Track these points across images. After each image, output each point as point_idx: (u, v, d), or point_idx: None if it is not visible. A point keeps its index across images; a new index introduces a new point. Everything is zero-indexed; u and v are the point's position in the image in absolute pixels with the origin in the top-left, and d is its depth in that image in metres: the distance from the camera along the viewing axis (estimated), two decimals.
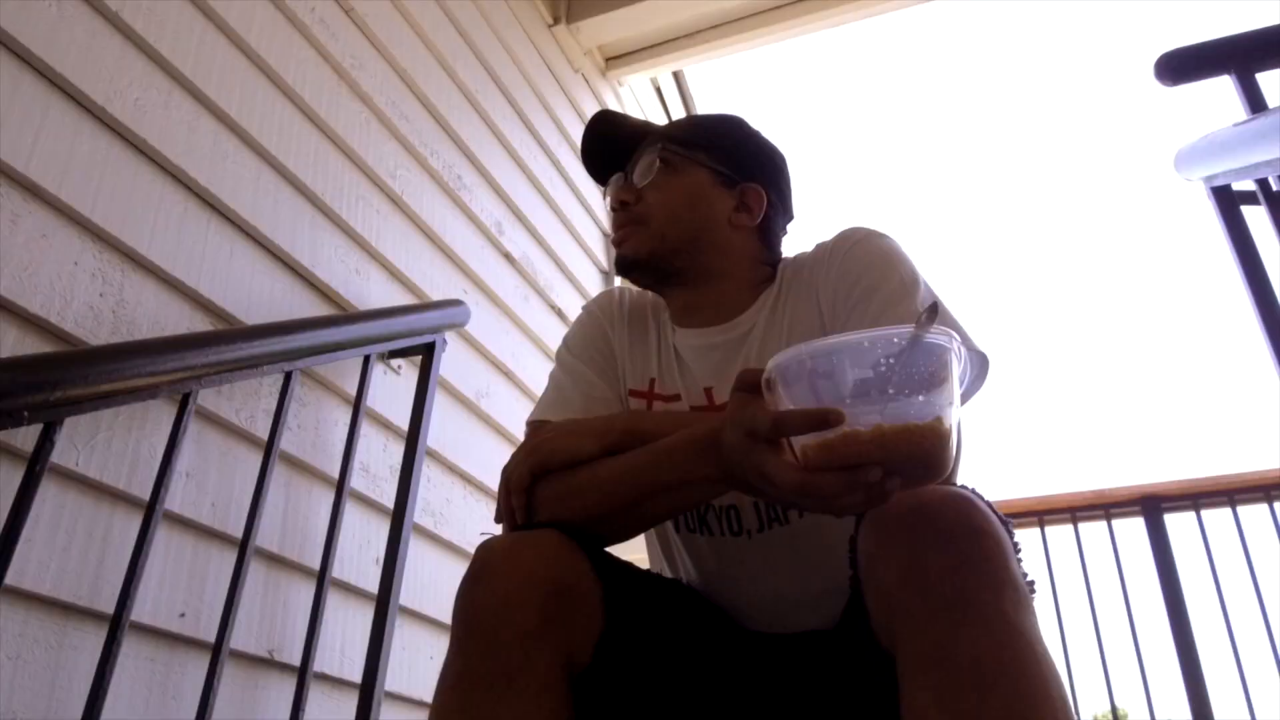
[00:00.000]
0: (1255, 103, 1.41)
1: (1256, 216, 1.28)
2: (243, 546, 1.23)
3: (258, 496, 1.26)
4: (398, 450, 1.75)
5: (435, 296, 1.95)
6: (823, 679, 1.04)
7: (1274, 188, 1.27)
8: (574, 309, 2.66)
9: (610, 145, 1.25)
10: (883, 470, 0.73)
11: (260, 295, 1.48)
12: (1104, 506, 2.64)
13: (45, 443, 0.97)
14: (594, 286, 2.84)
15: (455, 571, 1.93)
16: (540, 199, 2.57)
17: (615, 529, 1.02)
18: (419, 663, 1.72)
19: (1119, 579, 2.57)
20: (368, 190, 1.81)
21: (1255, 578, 2.46)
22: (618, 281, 2.95)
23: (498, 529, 1.06)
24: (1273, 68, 1.45)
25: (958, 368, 0.76)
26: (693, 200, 1.17)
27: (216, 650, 1.17)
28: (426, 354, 1.71)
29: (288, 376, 1.34)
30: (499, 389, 2.18)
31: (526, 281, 2.41)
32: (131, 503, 1.21)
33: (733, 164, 1.18)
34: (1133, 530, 2.57)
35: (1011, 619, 0.77)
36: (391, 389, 1.75)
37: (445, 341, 1.76)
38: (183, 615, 1.25)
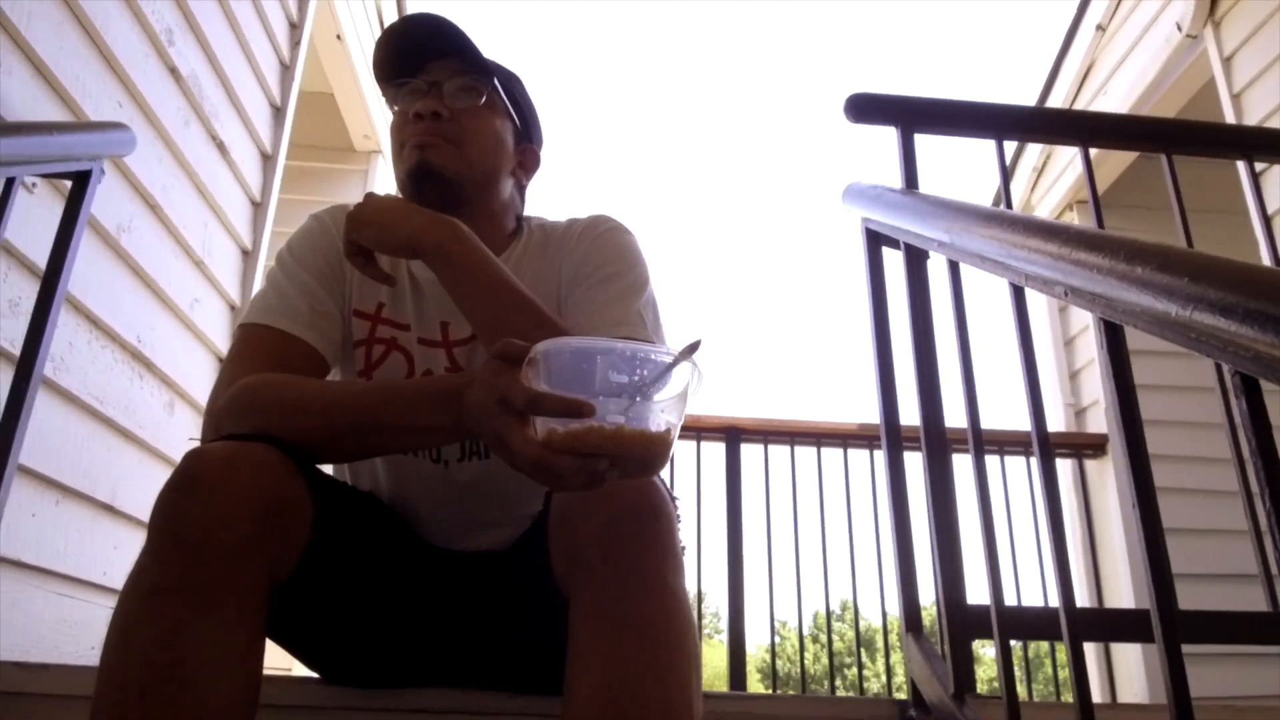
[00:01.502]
0: (908, 154, 1.72)
1: (891, 256, 1.59)
2: None
3: None
4: (19, 282, 1.51)
5: (88, 108, 1.66)
6: (497, 595, 1.16)
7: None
8: (238, 143, 2.41)
9: (421, 46, 1.19)
10: (609, 462, 0.84)
11: None
12: (697, 430, 3.11)
13: None
14: (263, 122, 2.58)
15: (73, 424, 1.73)
16: (218, 8, 2.25)
17: (330, 453, 1.03)
18: (19, 520, 1.54)
19: (696, 494, 3.08)
20: None
21: (796, 501, 3.12)
22: (288, 123, 2.70)
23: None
24: (925, 132, 1.78)
25: (694, 391, 0.89)
26: (498, 143, 1.23)
27: None
28: (79, 182, 1.47)
29: None
30: (142, 224, 1.93)
31: (190, 105, 2.12)
32: None
33: (525, 123, 1.27)
34: (715, 453, 3.09)
35: (670, 586, 0.94)
36: (22, 211, 1.48)
37: (103, 172, 1.52)
38: None
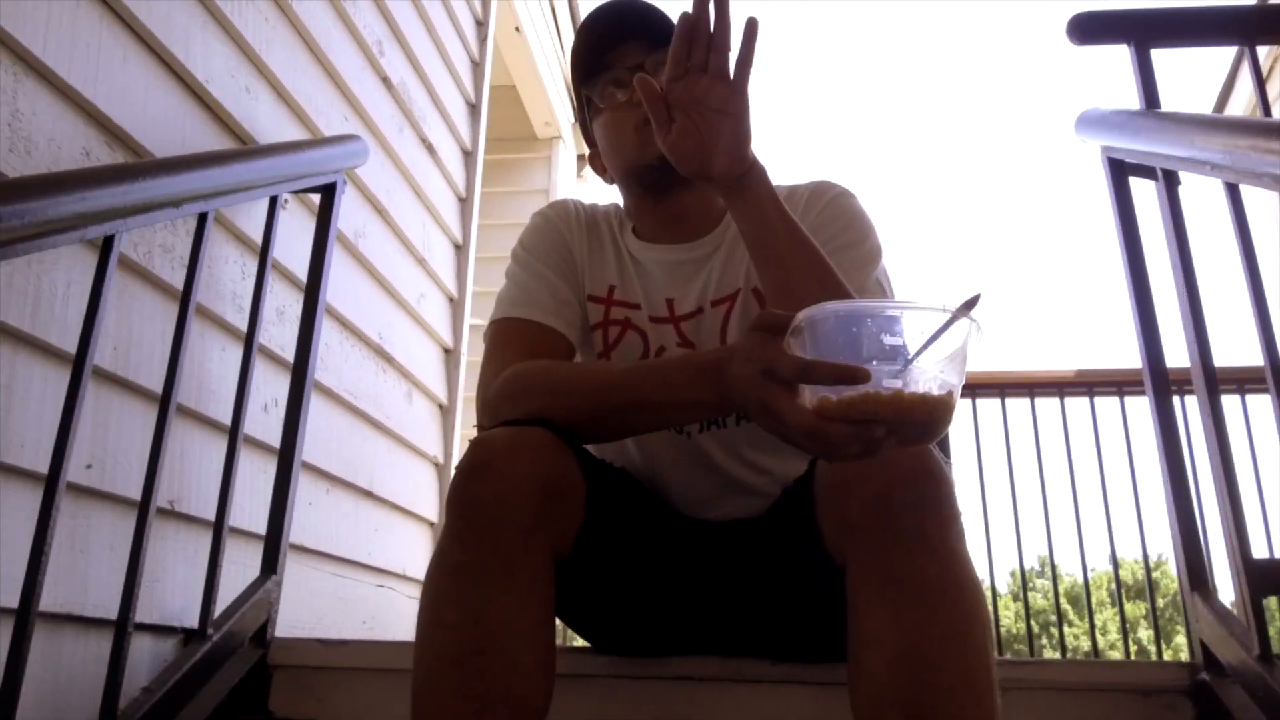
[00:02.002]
0: (1146, 73, 1.57)
1: (1141, 186, 1.46)
2: (164, 401, 1.14)
3: (177, 348, 1.16)
4: (284, 293, 1.65)
5: (320, 124, 1.79)
6: (754, 562, 1.16)
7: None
8: (443, 143, 2.52)
9: (610, 36, 1.20)
10: (886, 429, 0.80)
11: (154, 115, 1.30)
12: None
13: None
14: (462, 120, 2.69)
15: (336, 418, 1.88)
16: (417, 16, 2.36)
17: (597, 432, 1.06)
18: (299, 508, 1.70)
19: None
20: None
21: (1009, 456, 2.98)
22: (484, 118, 2.81)
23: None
24: (1163, 46, 1.61)
25: (974, 349, 0.84)
26: None
27: (144, 508, 1.10)
28: (327, 195, 1.59)
29: (202, 218, 1.21)
30: (374, 229, 2.07)
31: (401, 111, 2.24)
32: (36, 346, 1.08)
33: None
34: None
35: (955, 551, 0.90)
36: (281, 227, 1.62)
37: (345, 182, 1.63)
38: (89, 467, 1.15)
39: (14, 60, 1.06)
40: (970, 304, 0.79)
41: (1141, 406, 2.95)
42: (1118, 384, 3.12)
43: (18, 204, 0.87)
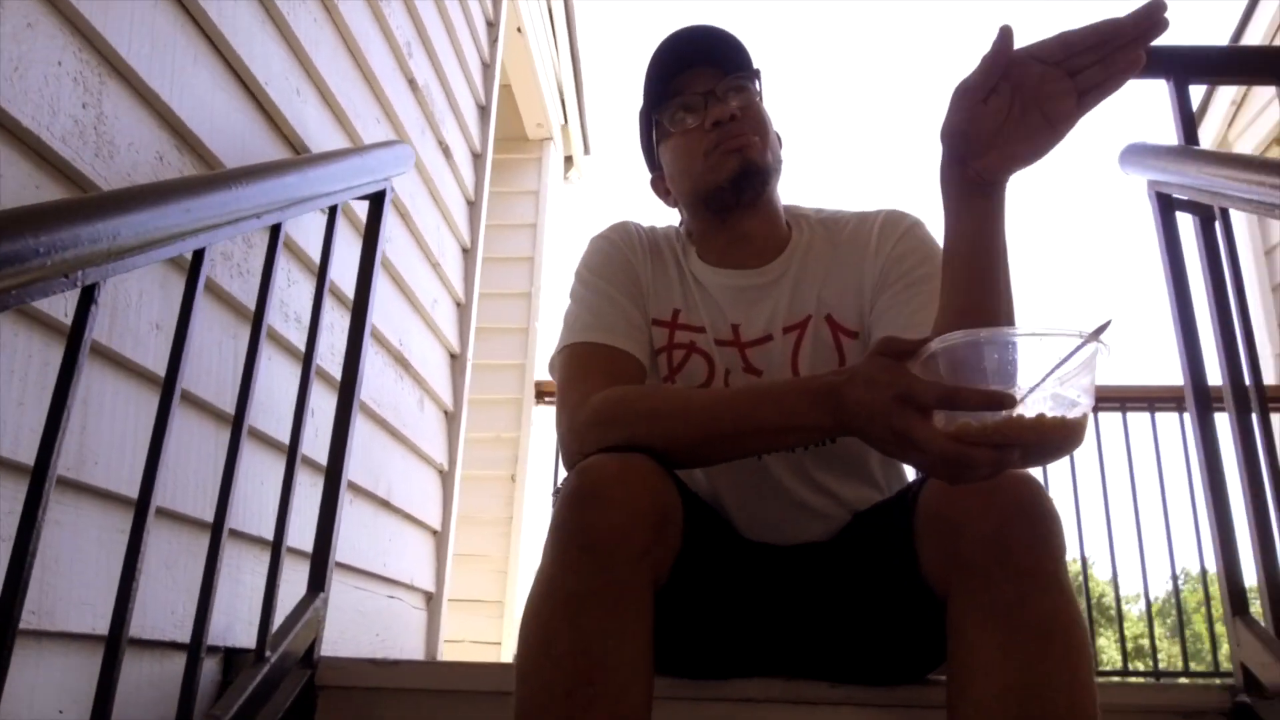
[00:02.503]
0: (1184, 109, 1.61)
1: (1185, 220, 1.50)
2: (237, 422, 1.10)
3: (250, 368, 1.12)
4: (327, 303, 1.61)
5: (358, 127, 1.75)
6: (822, 586, 1.17)
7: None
8: (457, 146, 2.49)
9: (704, 49, 1.21)
10: (1021, 452, 0.82)
11: (219, 120, 1.26)
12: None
13: (89, 306, 0.81)
14: (473, 122, 2.65)
15: (360, 426, 1.84)
16: (439, 17, 2.32)
17: (694, 458, 1.05)
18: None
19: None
20: None
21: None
22: (493, 120, 2.77)
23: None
24: (1200, 82, 1.67)
25: (1101, 370, 0.86)
26: (774, 131, 1.27)
27: (217, 530, 1.07)
28: (376, 204, 1.55)
29: (276, 229, 1.18)
30: (398, 233, 2.03)
31: (424, 113, 2.20)
32: (107, 358, 1.04)
33: None
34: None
35: (1066, 586, 0.93)
36: (320, 235, 1.58)
37: (393, 190, 1.60)
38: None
39: (99, 60, 1.02)
40: (1102, 329, 0.81)
41: (1170, 423, 3.06)
42: (1150, 400, 3.19)
43: (128, 214, 0.84)
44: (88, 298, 0.81)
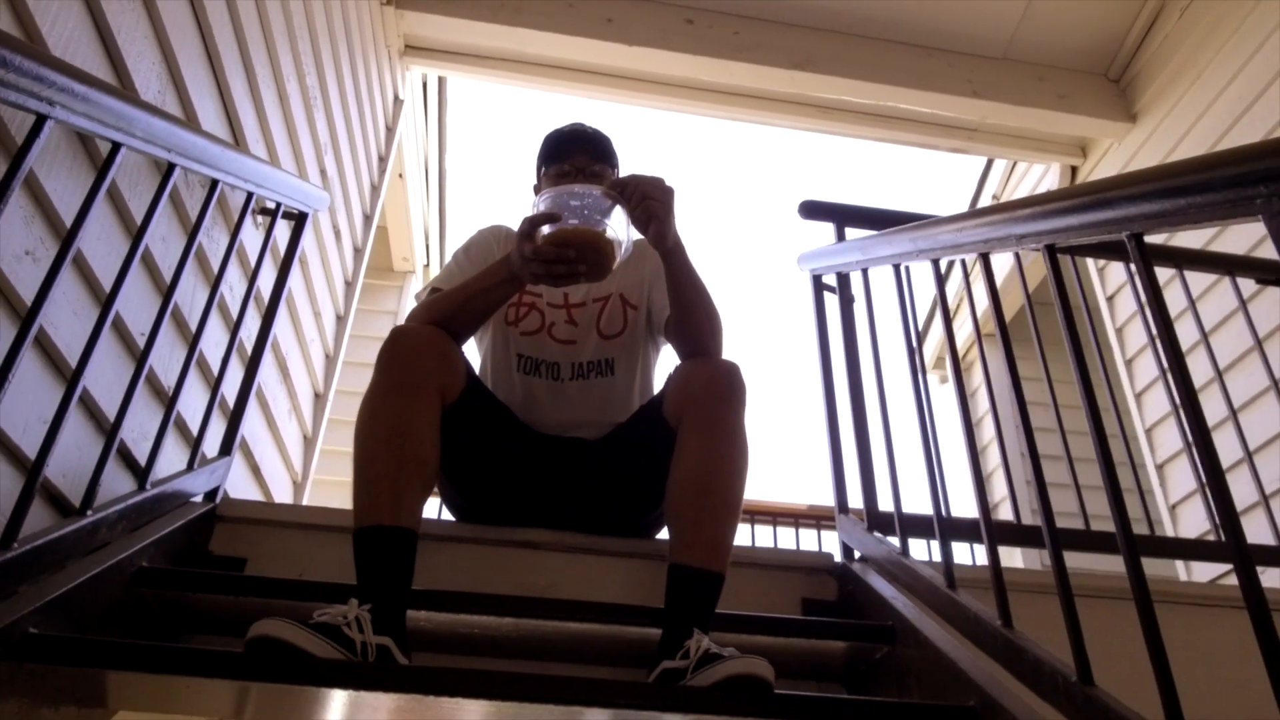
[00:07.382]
0: (840, 238, 2.55)
1: (830, 300, 2.38)
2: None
3: (173, 288, 1.75)
4: (239, 285, 2.23)
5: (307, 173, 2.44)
6: (587, 467, 1.81)
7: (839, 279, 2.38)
8: (345, 233, 3.18)
9: (586, 141, 1.97)
10: (575, 252, 1.51)
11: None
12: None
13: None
14: (359, 226, 3.37)
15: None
16: (344, 126, 3.07)
17: (458, 326, 1.70)
18: None
19: None
20: (272, 93, 2.29)
21: None
22: (373, 228, 3.50)
23: None
24: (852, 226, 2.62)
25: (622, 218, 1.58)
26: None
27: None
28: (299, 222, 2.23)
29: (214, 183, 1.79)
30: (296, 274, 2.67)
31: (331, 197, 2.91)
32: None
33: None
34: None
35: (741, 415, 1.60)
36: (253, 238, 2.22)
37: (311, 219, 2.28)
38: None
39: None
40: (613, 188, 1.59)
41: None
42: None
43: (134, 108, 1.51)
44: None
